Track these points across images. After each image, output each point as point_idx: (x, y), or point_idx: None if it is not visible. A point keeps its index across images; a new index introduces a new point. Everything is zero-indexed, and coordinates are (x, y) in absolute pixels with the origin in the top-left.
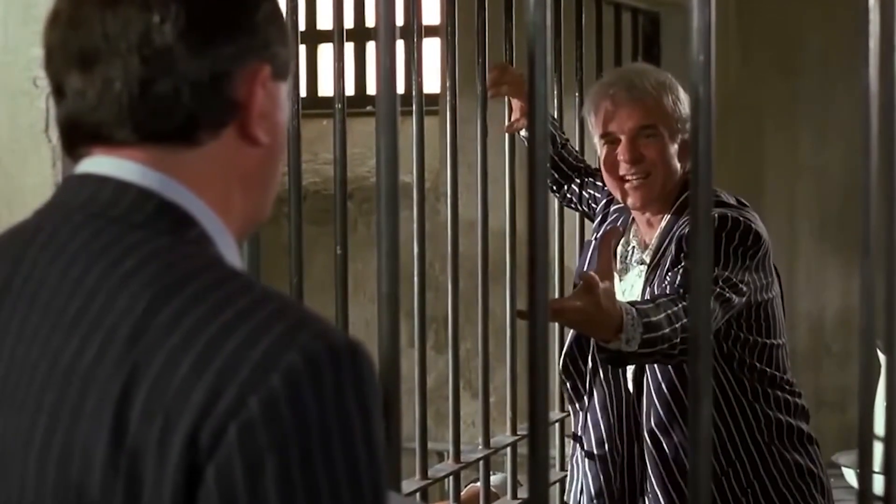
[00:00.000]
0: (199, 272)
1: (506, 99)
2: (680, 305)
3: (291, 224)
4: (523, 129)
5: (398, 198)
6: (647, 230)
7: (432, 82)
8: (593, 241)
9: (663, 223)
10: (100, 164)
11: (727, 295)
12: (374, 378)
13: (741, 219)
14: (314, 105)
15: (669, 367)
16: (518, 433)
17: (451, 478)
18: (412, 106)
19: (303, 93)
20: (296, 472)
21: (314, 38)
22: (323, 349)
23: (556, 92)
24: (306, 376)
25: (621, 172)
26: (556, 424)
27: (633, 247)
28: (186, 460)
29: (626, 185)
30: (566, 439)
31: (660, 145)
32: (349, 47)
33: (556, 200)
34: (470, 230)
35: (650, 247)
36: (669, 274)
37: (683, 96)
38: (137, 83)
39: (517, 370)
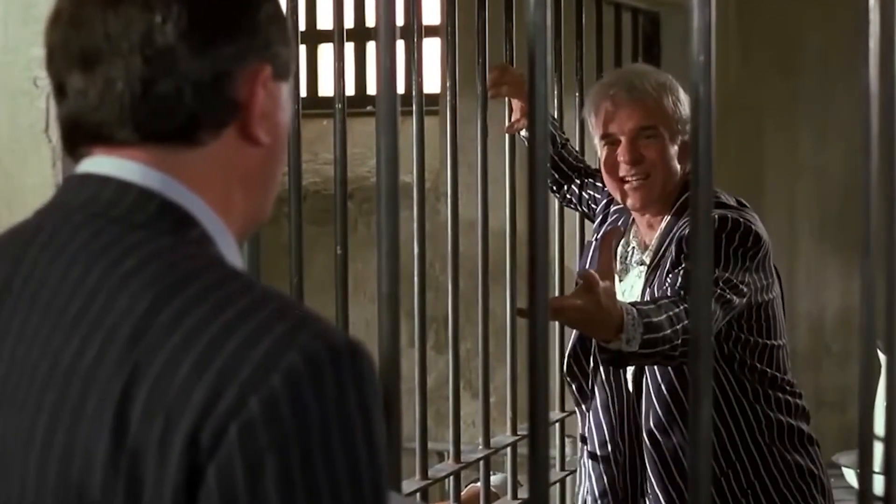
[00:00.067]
0: (201, 272)
1: (506, 99)
2: (681, 307)
3: (291, 224)
4: (523, 130)
5: (398, 198)
6: (647, 231)
7: (432, 82)
8: (594, 243)
9: (663, 224)
10: (101, 164)
11: (728, 296)
12: (374, 378)
13: (741, 220)
14: (314, 105)
15: (669, 368)
16: (518, 433)
17: (451, 478)
18: (412, 106)
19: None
20: (296, 472)
21: (314, 38)
22: (323, 349)
23: (556, 92)
24: (307, 376)
25: (621, 173)
26: (556, 424)
27: (633, 247)
28: (187, 460)
29: (626, 186)
30: (566, 439)
31: (660, 146)
32: (349, 47)
33: (556, 201)
34: (470, 230)
35: (650, 248)
36: (670, 276)
37: (684, 97)
38: (139, 83)
39: (517, 370)
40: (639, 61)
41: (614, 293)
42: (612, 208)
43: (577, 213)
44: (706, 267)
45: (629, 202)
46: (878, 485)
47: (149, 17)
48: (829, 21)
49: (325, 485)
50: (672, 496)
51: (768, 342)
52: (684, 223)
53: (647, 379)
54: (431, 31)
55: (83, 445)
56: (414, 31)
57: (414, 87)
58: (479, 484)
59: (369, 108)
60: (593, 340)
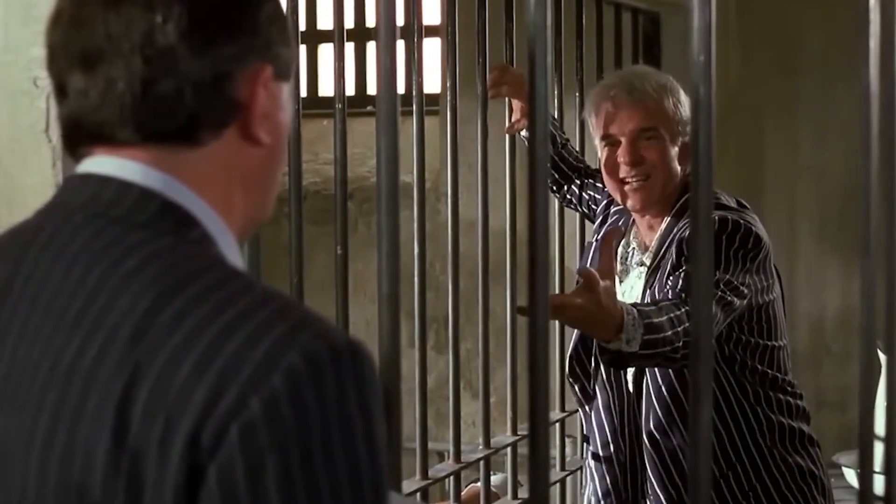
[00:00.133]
0: (202, 272)
1: (506, 99)
2: (682, 310)
3: (292, 224)
4: (524, 130)
5: (398, 198)
6: (648, 232)
7: (433, 82)
8: (594, 244)
9: (663, 225)
10: (101, 164)
11: (728, 298)
12: (375, 378)
13: (741, 221)
14: (315, 105)
15: (670, 370)
16: (518, 433)
17: (451, 478)
18: (412, 106)
19: (303, 93)
20: (297, 472)
21: (314, 38)
22: (324, 349)
23: (556, 92)
24: (307, 376)
25: (621, 175)
26: (557, 424)
27: (633, 248)
28: (188, 460)
29: (626, 188)
30: (566, 439)
31: (660, 148)
32: (349, 47)
33: (556, 201)
34: (470, 230)
35: (650, 249)
36: (671, 278)
37: (684, 99)
38: (140, 83)
39: (517, 370)
40: (639, 61)
41: (615, 293)
42: (613, 209)
43: (578, 214)
44: (706, 268)
45: (629, 203)
46: (879, 485)
47: (150, 18)
48: (829, 21)
49: (326, 485)
50: (672, 497)
51: (769, 343)
52: (684, 224)
53: (647, 380)
54: (432, 31)
55: (84, 445)
56: (414, 31)
57: (414, 87)
58: (479, 484)
59: (369, 108)
60: (594, 341)
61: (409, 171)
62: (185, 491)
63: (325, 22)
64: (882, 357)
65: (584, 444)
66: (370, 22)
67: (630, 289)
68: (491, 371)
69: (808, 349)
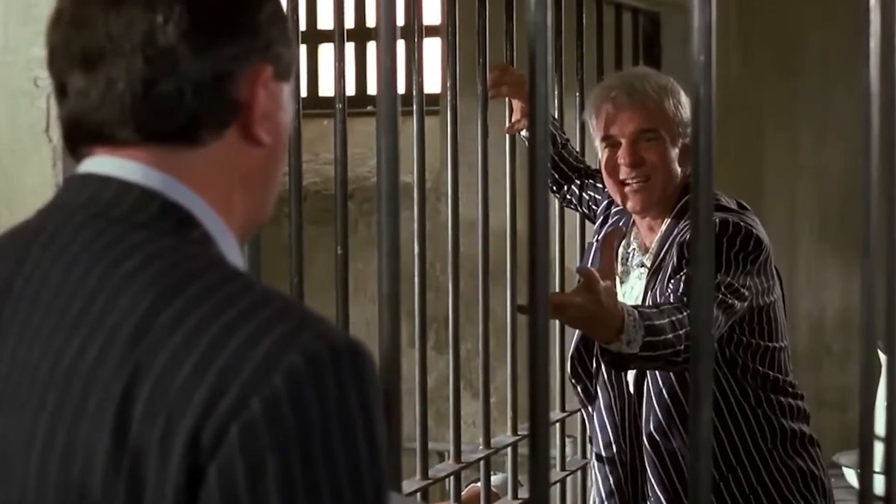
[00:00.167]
0: (202, 272)
1: (506, 99)
2: (684, 313)
3: (292, 224)
4: (524, 130)
5: (399, 198)
6: (648, 234)
7: (433, 82)
8: (595, 244)
9: (663, 227)
10: (102, 164)
11: (729, 301)
12: (375, 378)
13: (742, 223)
14: (315, 105)
15: (671, 372)
16: (519, 433)
17: (451, 478)
18: (413, 106)
19: (303, 93)
20: (297, 472)
21: (315, 38)
22: (324, 349)
23: (556, 92)
24: (307, 376)
25: (622, 176)
26: (557, 424)
27: (634, 249)
28: (188, 460)
29: (627, 189)
30: (566, 439)
31: (660, 149)
32: (350, 47)
33: (557, 201)
34: (470, 230)
35: (650, 250)
36: (672, 281)
37: (685, 100)
38: (140, 83)
39: (518, 370)
40: (639, 61)
41: (615, 293)
42: (613, 209)
43: (578, 214)
44: (707, 270)
45: (629, 205)
46: (879, 485)
47: (150, 18)
48: (829, 21)
49: (326, 485)
50: (672, 499)
51: (770, 344)
52: (685, 226)
53: (648, 382)
54: (432, 31)
55: (84, 445)
56: (414, 31)
57: (414, 87)
58: (479, 484)
59: (370, 108)
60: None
61: (409, 171)
62: (186, 491)
63: (325, 22)
64: (882, 357)
65: (589, 445)
66: (370, 22)
67: (630, 290)
68: (491, 371)
69: (809, 349)
